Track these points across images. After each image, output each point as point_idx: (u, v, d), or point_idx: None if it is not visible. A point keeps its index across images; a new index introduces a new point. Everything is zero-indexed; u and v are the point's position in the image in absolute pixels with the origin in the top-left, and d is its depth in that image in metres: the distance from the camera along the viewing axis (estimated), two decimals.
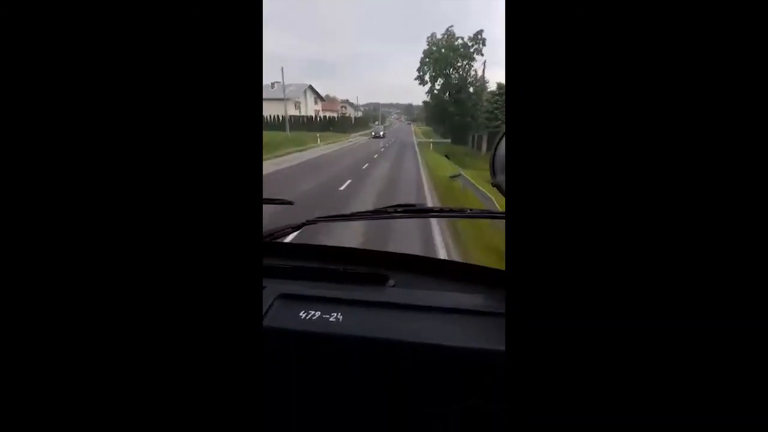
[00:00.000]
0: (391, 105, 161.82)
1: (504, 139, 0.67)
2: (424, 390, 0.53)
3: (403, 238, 3.83)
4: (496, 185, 0.68)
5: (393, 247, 3.34)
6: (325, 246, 0.90)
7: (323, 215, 0.98)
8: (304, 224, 0.95)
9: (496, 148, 0.68)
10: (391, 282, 0.72)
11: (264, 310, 0.58)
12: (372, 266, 0.77)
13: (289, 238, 1.01)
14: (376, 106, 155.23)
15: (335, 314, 0.59)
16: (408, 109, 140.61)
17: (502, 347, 0.45)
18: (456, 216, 0.92)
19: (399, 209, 0.91)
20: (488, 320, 0.59)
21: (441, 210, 0.94)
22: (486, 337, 0.54)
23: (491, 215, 0.97)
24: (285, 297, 0.63)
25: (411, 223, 4.18)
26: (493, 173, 0.69)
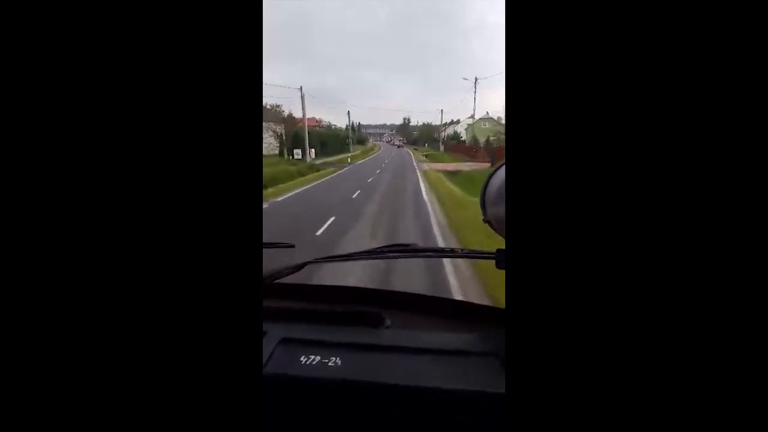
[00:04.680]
0: (383, 126, 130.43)
1: (497, 174, 0.69)
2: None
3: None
4: (487, 221, 0.72)
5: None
6: (324, 285, 0.96)
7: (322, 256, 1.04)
8: (304, 265, 0.97)
9: (487, 183, 0.70)
10: (387, 322, 0.74)
11: (266, 357, 0.60)
12: (368, 305, 0.79)
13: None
14: (365, 128, 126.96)
15: (334, 358, 0.61)
16: (404, 128, 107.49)
17: (498, 389, 0.49)
18: (449, 256, 0.93)
19: (394, 249, 0.96)
20: (483, 361, 0.61)
21: (434, 250, 0.96)
22: (480, 379, 0.55)
23: (482, 255, 0.93)
24: (286, 342, 0.66)
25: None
26: (484, 209, 0.71)
